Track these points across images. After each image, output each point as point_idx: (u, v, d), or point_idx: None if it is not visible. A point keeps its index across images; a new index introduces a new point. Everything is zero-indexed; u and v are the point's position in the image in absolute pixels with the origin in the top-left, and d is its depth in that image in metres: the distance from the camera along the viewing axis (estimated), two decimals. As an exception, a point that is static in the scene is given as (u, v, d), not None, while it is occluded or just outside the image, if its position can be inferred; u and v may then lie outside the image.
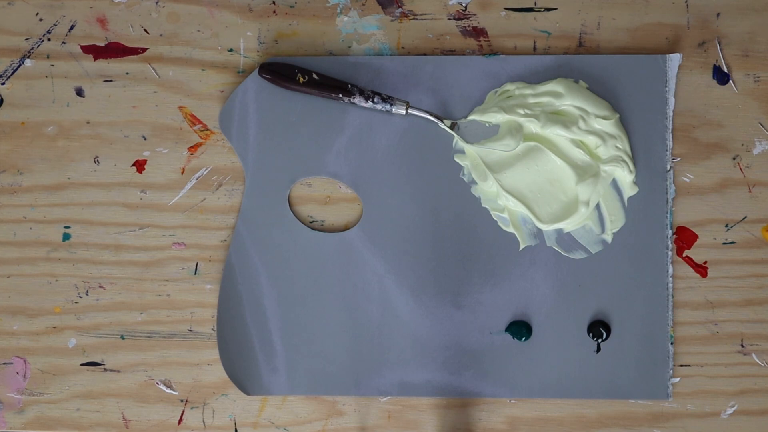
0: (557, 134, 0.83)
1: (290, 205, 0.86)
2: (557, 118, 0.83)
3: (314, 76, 0.84)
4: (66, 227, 0.87)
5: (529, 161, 0.84)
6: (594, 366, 0.84)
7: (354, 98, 0.83)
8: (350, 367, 0.84)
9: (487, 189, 0.84)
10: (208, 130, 0.87)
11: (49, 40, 0.87)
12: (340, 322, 0.84)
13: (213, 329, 0.86)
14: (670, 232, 0.84)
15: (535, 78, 0.85)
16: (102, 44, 0.87)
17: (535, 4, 0.86)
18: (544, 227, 0.84)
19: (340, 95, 0.84)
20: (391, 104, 0.84)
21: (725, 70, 0.85)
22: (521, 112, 0.83)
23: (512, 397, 0.84)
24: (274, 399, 0.86)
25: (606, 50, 0.86)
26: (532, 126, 0.83)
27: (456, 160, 0.85)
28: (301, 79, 0.84)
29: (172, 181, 0.87)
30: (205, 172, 0.87)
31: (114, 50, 0.87)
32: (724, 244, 0.85)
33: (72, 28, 0.87)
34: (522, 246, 0.84)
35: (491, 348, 0.84)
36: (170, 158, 0.87)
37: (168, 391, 0.86)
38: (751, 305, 0.85)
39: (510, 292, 0.84)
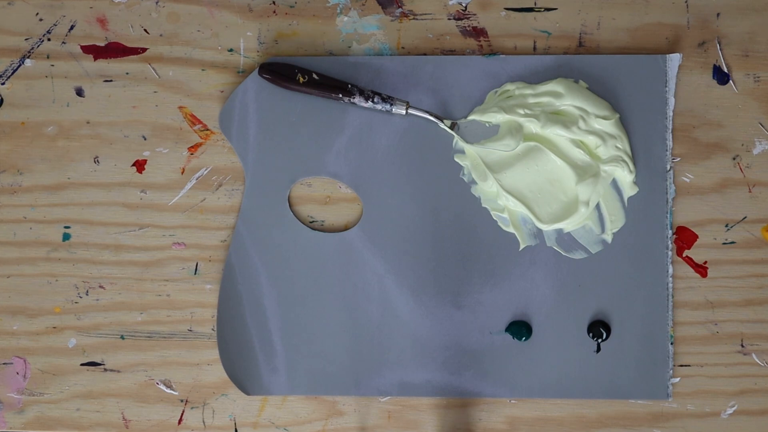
0: (557, 134, 0.83)
1: (290, 205, 0.86)
2: (557, 118, 0.83)
3: (314, 76, 0.84)
4: (66, 227, 0.87)
5: (529, 161, 0.84)
6: (594, 366, 0.84)
7: (354, 98, 0.83)
8: (350, 367, 0.84)
9: (487, 189, 0.84)
10: (208, 130, 0.87)
11: (49, 40, 0.87)
12: (340, 322, 0.84)
13: (213, 329, 0.86)
14: (670, 232, 0.84)
15: (535, 78, 0.85)
16: (102, 44, 0.87)
17: (535, 4, 0.86)
18: (544, 227, 0.84)
19: (340, 95, 0.84)
20: (391, 104, 0.84)
21: (725, 70, 0.85)
22: (521, 112, 0.83)
23: (512, 397, 0.84)
24: (274, 399, 0.86)
25: (606, 50, 0.86)
26: (532, 126, 0.83)
27: (456, 160, 0.85)
28: (301, 79, 0.84)
29: (172, 181, 0.87)
30: (205, 172, 0.87)
31: (114, 50, 0.87)
32: (724, 244, 0.85)
33: (72, 28, 0.87)
34: (522, 246, 0.84)
35: (491, 348, 0.84)
36: (170, 158, 0.87)
37: (168, 391, 0.86)
38: (751, 305, 0.85)
39: (510, 292, 0.84)
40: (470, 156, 0.85)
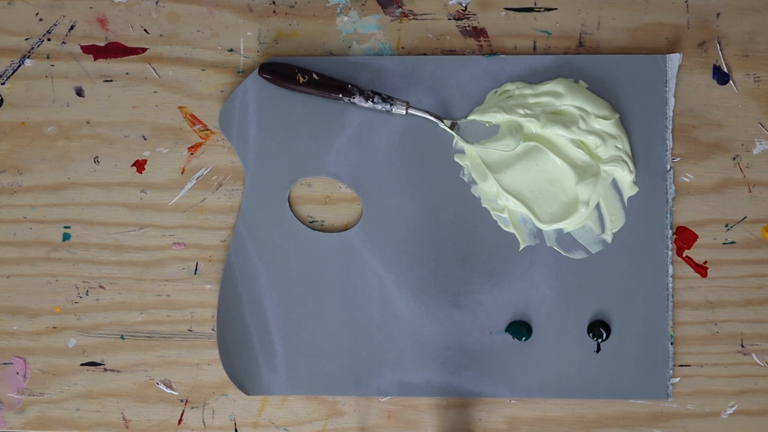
0: (557, 134, 0.83)
1: (290, 205, 0.86)
2: (557, 118, 0.83)
3: (314, 76, 0.84)
4: (66, 227, 0.87)
5: (529, 161, 0.84)
6: (594, 366, 0.84)
7: (354, 98, 0.83)
8: (350, 367, 0.84)
9: (487, 189, 0.84)
10: (208, 130, 0.87)
11: (49, 40, 0.87)
12: (340, 322, 0.84)
13: (213, 329, 0.86)
14: (670, 232, 0.84)
15: (535, 78, 0.85)
16: (102, 44, 0.87)
17: (535, 4, 0.86)
18: (544, 227, 0.84)
19: (340, 95, 0.84)
20: (391, 104, 0.84)
21: (725, 70, 0.86)
22: (521, 112, 0.83)
23: (512, 397, 0.84)
24: (274, 399, 0.86)
25: (606, 50, 0.86)
26: (532, 126, 0.83)
27: (456, 160, 0.85)
28: (301, 79, 0.84)
29: (172, 181, 0.87)
30: (205, 172, 0.87)
31: (114, 50, 0.87)
32: (724, 244, 0.85)
33: (72, 28, 0.87)
34: (522, 246, 0.84)
35: (491, 348, 0.84)
36: (170, 158, 0.87)
37: (168, 391, 0.86)
38: (751, 305, 0.85)
39: (510, 292, 0.84)
40: (470, 156, 0.85)
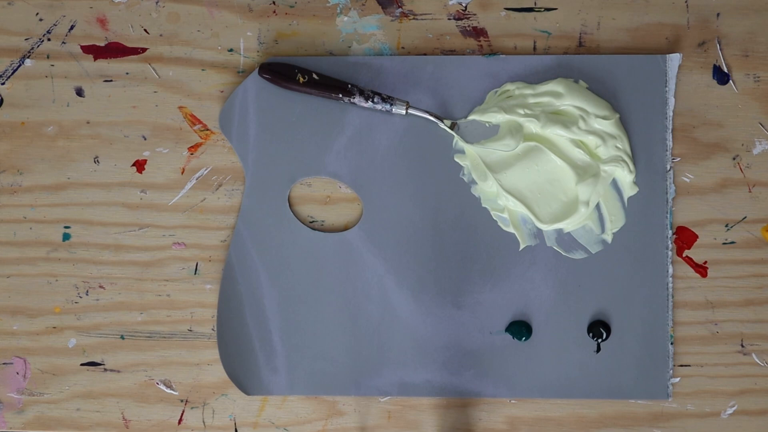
0: (557, 134, 0.83)
1: (290, 205, 0.86)
2: (557, 118, 0.83)
3: (314, 76, 0.84)
4: (66, 227, 0.87)
5: (529, 161, 0.84)
6: (594, 366, 0.84)
7: (354, 98, 0.83)
8: (350, 367, 0.84)
9: (487, 189, 0.84)
10: (208, 130, 0.87)
11: (49, 40, 0.87)
12: (340, 322, 0.84)
13: (213, 329, 0.86)
14: (670, 232, 0.84)
15: (535, 78, 0.85)
16: (102, 44, 0.87)
17: (535, 4, 0.86)
18: (544, 227, 0.84)
19: (340, 95, 0.84)
20: (391, 104, 0.84)
21: (725, 70, 0.86)
22: (521, 112, 0.83)
23: (512, 397, 0.84)
24: (274, 399, 0.86)
25: (606, 50, 0.86)
26: (532, 126, 0.83)
27: (456, 160, 0.85)
28: (301, 79, 0.84)
29: (172, 181, 0.87)
30: (205, 172, 0.87)
31: (114, 50, 0.87)
32: (724, 244, 0.85)
33: (72, 28, 0.87)
34: (522, 246, 0.84)
35: (491, 348, 0.84)
36: (170, 158, 0.87)
37: (168, 391, 0.86)
38: (751, 305, 0.85)
39: (510, 292, 0.84)
40: (470, 156, 0.85)
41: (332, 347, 0.84)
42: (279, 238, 0.85)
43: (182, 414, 0.86)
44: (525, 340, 0.84)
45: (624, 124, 0.84)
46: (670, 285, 0.84)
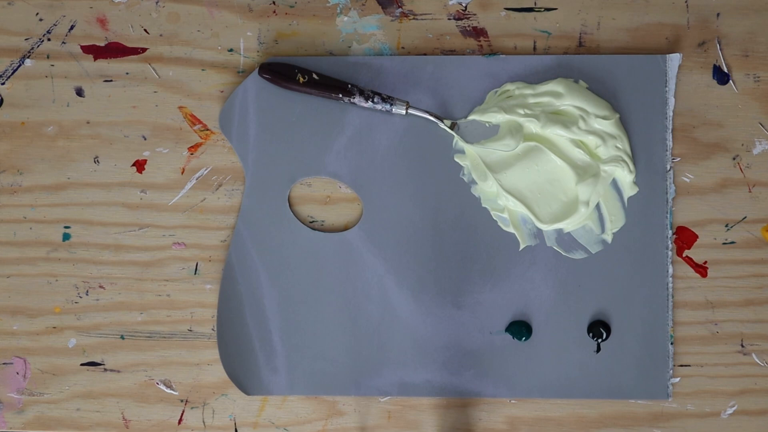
0: (557, 134, 0.83)
1: (290, 205, 0.86)
2: (557, 118, 0.83)
3: (314, 76, 0.84)
4: (66, 227, 0.87)
5: (529, 161, 0.84)
6: (594, 366, 0.84)
7: (354, 98, 0.83)
8: (350, 367, 0.84)
9: (487, 189, 0.84)
10: (208, 130, 0.87)
11: (49, 40, 0.87)
12: (340, 322, 0.84)
13: (213, 329, 0.86)
14: (670, 232, 0.84)
15: (535, 78, 0.85)
16: (102, 44, 0.87)
17: (535, 4, 0.86)
18: (544, 227, 0.84)
19: (340, 95, 0.84)
20: (391, 104, 0.84)
21: (725, 70, 0.86)
22: (521, 112, 0.83)
23: (512, 397, 0.84)
24: (274, 399, 0.86)
25: (606, 50, 0.86)
26: (532, 126, 0.83)
27: (456, 160, 0.85)
28: (301, 79, 0.84)
29: (172, 181, 0.87)
30: (205, 172, 0.87)
31: (114, 50, 0.87)
32: (724, 244, 0.85)
33: (72, 28, 0.87)
34: (522, 246, 0.84)
35: (491, 348, 0.84)
36: (170, 158, 0.87)
37: (168, 391, 0.86)
38: (751, 305, 0.85)
39: (510, 292, 0.84)
40: (470, 156, 0.85)
41: (332, 347, 0.84)
42: (279, 238, 0.85)
43: (182, 414, 0.86)
44: (525, 340, 0.84)
45: (624, 124, 0.84)
46: (670, 285, 0.84)
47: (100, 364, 0.86)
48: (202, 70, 0.87)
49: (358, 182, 0.85)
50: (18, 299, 0.87)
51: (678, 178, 0.85)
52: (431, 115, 0.84)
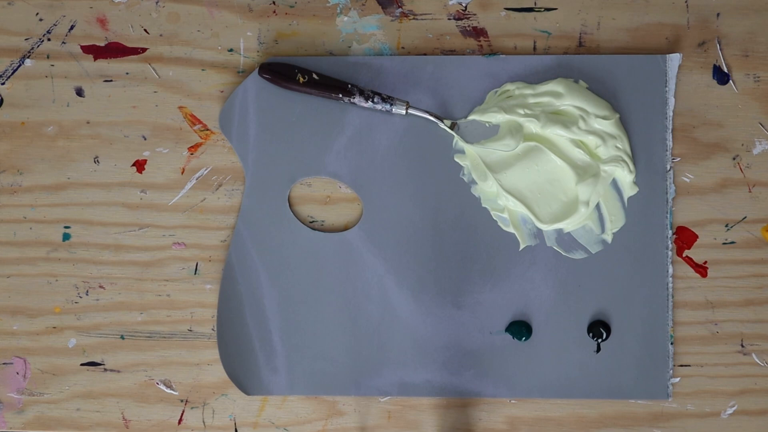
0: (557, 134, 0.83)
1: (290, 205, 0.86)
2: (557, 118, 0.83)
3: (314, 76, 0.84)
4: (66, 227, 0.87)
5: (529, 161, 0.84)
6: (594, 366, 0.84)
7: (354, 98, 0.83)
8: (350, 367, 0.84)
9: (487, 189, 0.84)
10: (208, 130, 0.87)
11: (49, 40, 0.87)
12: (340, 322, 0.84)
13: (213, 329, 0.86)
14: (670, 232, 0.84)
15: (535, 78, 0.85)
16: (102, 44, 0.87)
17: (535, 4, 0.86)
18: (544, 227, 0.84)
19: (340, 95, 0.84)
20: (391, 104, 0.84)
21: (725, 70, 0.86)
22: (521, 112, 0.83)
23: (512, 397, 0.84)
24: (274, 399, 0.86)
25: (606, 50, 0.86)
26: (532, 126, 0.83)
27: (456, 160, 0.85)
28: (301, 79, 0.84)
29: (172, 181, 0.87)
30: (205, 172, 0.87)
31: (114, 50, 0.87)
32: (724, 244, 0.85)
33: (72, 28, 0.87)
34: (522, 246, 0.84)
35: (491, 348, 0.84)
36: (170, 158, 0.87)
37: (168, 391, 0.86)
38: (751, 305, 0.85)
39: (510, 292, 0.84)
40: (470, 156, 0.85)
41: (332, 347, 0.84)
42: (279, 238, 0.85)
43: (182, 414, 0.86)
44: (525, 340, 0.84)
45: (624, 124, 0.84)
46: (670, 285, 0.84)
47: (100, 364, 0.86)
48: (202, 70, 0.87)
49: (358, 182, 0.85)
50: (18, 299, 0.87)
51: (678, 178, 0.85)
52: (431, 115, 0.84)
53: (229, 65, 0.87)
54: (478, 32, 0.86)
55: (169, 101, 0.87)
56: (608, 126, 0.83)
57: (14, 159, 0.87)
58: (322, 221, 0.86)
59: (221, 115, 0.86)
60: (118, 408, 0.86)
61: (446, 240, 0.84)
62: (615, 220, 0.84)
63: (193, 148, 0.87)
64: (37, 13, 0.87)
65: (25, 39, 0.87)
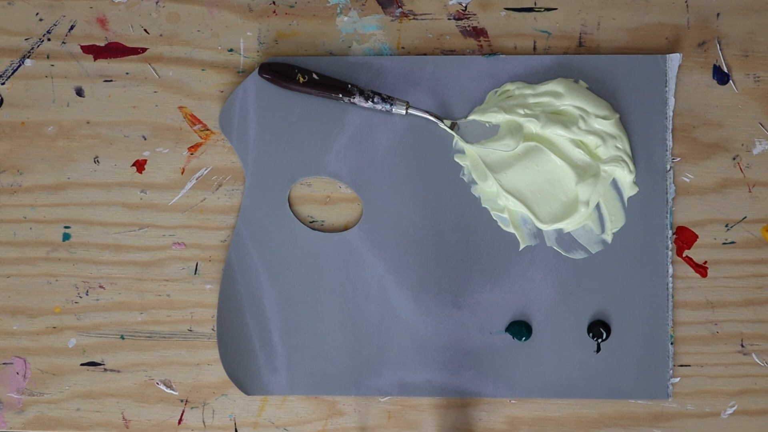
0: (557, 134, 0.83)
1: (290, 205, 0.86)
2: (557, 118, 0.83)
3: (314, 76, 0.84)
4: (66, 227, 0.87)
5: (529, 161, 0.84)
6: (594, 366, 0.84)
7: (354, 98, 0.83)
8: (350, 367, 0.84)
9: (487, 189, 0.84)
10: (208, 130, 0.87)
11: (49, 40, 0.87)
12: (340, 322, 0.84)
13: (213, 329, 0.86)
14: (670, 232, 0.84)
15: (535, 78, 0.85)
16: (102, 44, 0.87)
17: (535, 4, 0.86)
18: (544, 227, 0.84)
19: (340, 95, 0.84)
20: (391, 104, 0.84)
21: (725, 70, 0.86)
22: (521, 112, 0.83)
23: (512, 397, 0.84)
24: (274, 399, 0.86)
25: (606, 50, 0.86)
26: (532, 126, 0.83)
27: (456, 160, 0.85)
28: (301, 79, 0.84)
29: (172, 181, 0.87)
30: (205, 172, 0.87)
31: (114, 50, 0.87)
32: (724, 244, 0.85)
33: (72, 28, 0.87)
34: (522, 246, 0.84)
35: (491, 348, 0.84)
36: (170, 158, 0.87)
37: (168, 391, 0.86)
38: (751, 305, 0.85)
39: (510, 292, 0.84)
40: (470, 156, 0.85)
41: (332, 347, 0.84)
42: (279, 238, 0.85)
43: (182, 414, 0.86)
44: (525, 340, 0.84)
45: (624, 124, 0.84)
46: (670, 285, 0.84)
47: (100, 364, 0.86)
48: (202, 70, 0.87)
49: (358, 182, 0.85)
50: (18, 299, 0.87)
51: (678, 178, 0.85)
52: (431, 115, 0.84)
53: (229, 65, 0.87)
54: (478, 32, 0.86)
55: (169, 101, 0.87)
56: (608, 126, 0.83)
57: (14, 159, 0.87)
58: (322, 221, 0.86)
59: (221, 115, 0.86)
60: (118, 408, 0.86)
61: (446, 240, 0.84)
62: (615, 220, 0.84)
63: (193, 148, 0.87)
64: (37, 13, 0.87)
65: (25, 39, 0.87)
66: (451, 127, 0.84)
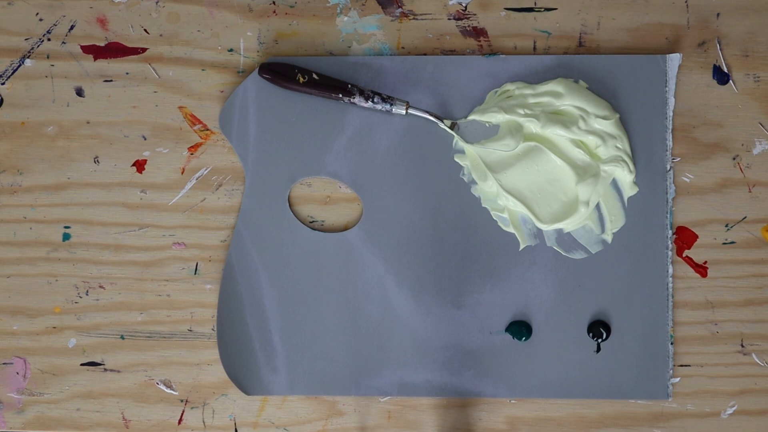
0: (557, 134, 0.83)
1: (290, 205, 0.86)
2: (557, 118, 0.83)
3: (314, 76, 0.84)
4: (66, 227, 0.87)
5: (529, 161, 0.84)
6: (594, 366, 0.84)
7: (354, 98, 0.83)
8: (350, 367, 0.84)
9: (487, 189, 0.84)
10: (208, 130, 0.87)
11: (49, 40, 0.87)
12: (340, 322, 0.84)
13: (213, 329, 0.86)
14: (670, 232, 0.84)
15: (535, 78, 0.85)
16: (102, 44, 0.87)
17: (535, 4, 0.86)
18: (544, 227, 0.84)
19: (340, 95, 0.84)
20: (391, 104, 0.84)
21: (725, 70, 0.86)
22: (521, 112, 0.83)
23: (512, 397, 0.84)
24: (274, 399, 0.86)
25: (606, 50, 0.86)
26: (532, 126, 0.83)
27: (456, 160, 0.85)
28: (301, 79, 0.84)
29: (172, 181, 0.87)
30: (205, 172, 0.87)
31: (114, 50, 0.87)
32: (724, 244, 0.85)
33: (72, 28, 0.87)
34: (522, 246, 0.84)
35: (491, 348, 0.84)
36: (170, 158, 0.87)
37: (168, 391, 0.86)
38: (751, 305, 0.85)
39: (510, 292, 0.84)
40: (470, 156, 0.85)
41: (332, 347, 0.84)
42: (279, 238, 0.85)
43: (182, 414, 0.86)
44: (525, 340, 0.84)
45: (624, 124, 0.84)
46: (670, 285, 0.84)
47: (100, 364, 0.86)
48: (202, 70, 0.87)
49: (358, 182, 0.85)
50: (18, 299, 0.87)
51: (678, 178, 0.85)
52: (431, 115, 0.84)
53: (229, 65, 0.87)
54: (478, 32, 0.86)
55: (169, 101, 0.87)
56: (608, 126, 0.83)
57: (14, 159, 0.87)
58: (322, 221, 0.86)
59: (221, 115, 0.86)
60: (118, 408, 0.86)
61: (446, 240, 0.84)
62: (615, 220, 0.84)
63: (193, 148, 0.87)
64: (37, 13, 0.87)
65: (25, 39, 0.87)
66: (451, 127, 0.84)
